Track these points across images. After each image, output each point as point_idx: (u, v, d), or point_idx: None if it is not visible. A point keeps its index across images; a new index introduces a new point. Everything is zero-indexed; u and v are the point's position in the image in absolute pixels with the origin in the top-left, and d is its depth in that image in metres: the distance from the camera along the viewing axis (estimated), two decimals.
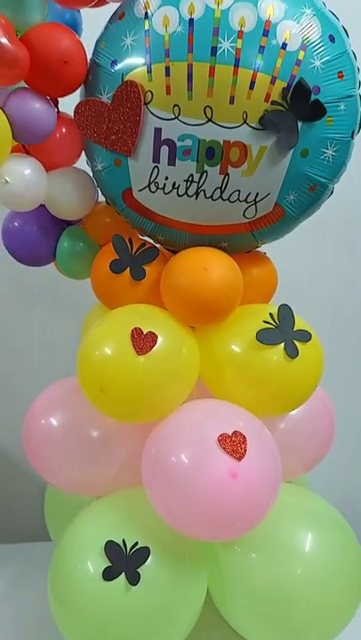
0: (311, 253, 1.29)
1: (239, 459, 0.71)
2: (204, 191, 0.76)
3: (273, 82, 0.70)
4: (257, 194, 0.76)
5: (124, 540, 0.76)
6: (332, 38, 0.72)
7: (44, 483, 1.06)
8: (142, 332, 0.76)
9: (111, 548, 0.75)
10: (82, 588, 0.75)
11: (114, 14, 0.77)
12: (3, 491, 1.33)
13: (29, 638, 0.96)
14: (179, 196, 0.77)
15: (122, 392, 0.76)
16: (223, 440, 0.72)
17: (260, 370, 0.79)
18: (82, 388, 0.80)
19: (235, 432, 0.73)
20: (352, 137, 0.77)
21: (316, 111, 0.71)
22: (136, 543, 0.76)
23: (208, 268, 0.78)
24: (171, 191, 0.77)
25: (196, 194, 0.76)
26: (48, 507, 1.10)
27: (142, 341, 0.75)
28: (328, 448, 0.97)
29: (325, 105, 0.71)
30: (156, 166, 0.75)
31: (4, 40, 0.70)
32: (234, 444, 0.72)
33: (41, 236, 0.90)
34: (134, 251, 0.84)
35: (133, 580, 0.74)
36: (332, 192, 0.82)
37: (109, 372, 0.76)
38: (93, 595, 0.74)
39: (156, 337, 0.76)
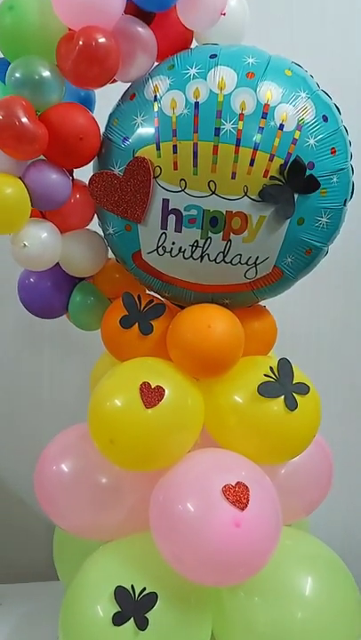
0: (307, 298, 1.34)
1: (242, 509, 0.75)
2: (208, 255, 0.81)
3: (271, 159, 0.76)
4: (257, 257, 0.82)
5: (132, 586, 0.80)
6: (325, 118, 0.79)
7: (51, 522, 1.10)
8: (150, 386, 0.81)
9: (120, 594, 0.79)
10: (92, 632, 0.79)
11: (125, 94, 0.84)
12: (11, 529, 1.36)
13: None
14: (185, 258, 0.82)
15: (131, 443, 0.81)
16: (227, 491, 0.76)
17: (261, 420, 0.84)
18: (93, 439, 0.84)
19: (238, 483, 0.77)
20: (344, 204, 0.83)
21: (311, 185, 0.77)
22: (144, 589, 0.80)
23: (212, 325, 0.84)
24: (177, 254, 0.82)
25: (201, 257, 0.82)
26: (57, 548, 1.13)
27: (151, 395, 0.80)
28: (327, 491, 1.01)
29: (319, 178, 0.78)
30: (164, 232, 0.81)
31: (25, 119, 0.77)
32: (237, 495, 0.76)
33: (54, 291, 0.95)
34: (142, 306, 0.89)
35: (142, 625, 0.77)
36: (326, 252, 0.87)
37: (119, 424, 0.81)
38: (104, 638, 0.78)
39: (164, 390, 0.81)
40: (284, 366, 0.86)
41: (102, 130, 0.84)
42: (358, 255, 1.33)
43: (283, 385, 0.84)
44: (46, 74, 0.78)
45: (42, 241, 0.85)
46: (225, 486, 0.76)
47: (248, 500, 0.76)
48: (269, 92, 0.76)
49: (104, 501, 0.91)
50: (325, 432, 0.99)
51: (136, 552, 0.87)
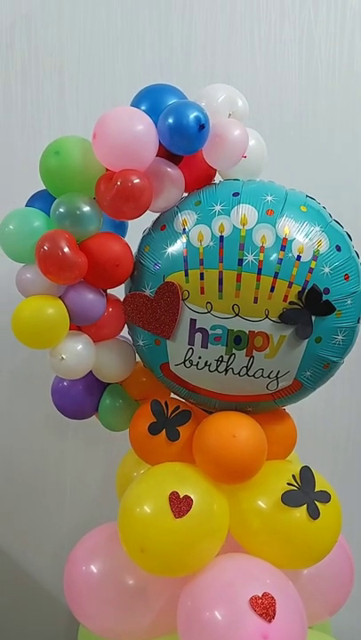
0: (322, 388, 1.39)
1: (269, 621, 0.78)
2: (233, 369, 0.88)
3: (290, 286, 0.83)
4: (278, 372, 0.88)
5: None
6: (338, 248, 0.86)
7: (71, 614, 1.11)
8: (179, 496, 0.85)
9: None
10: None
11: (156, 223, 0.92)
12: (34, 619, 1.37)
13: None
14: (210, 371, 0.89)
15: (161, 552, 0.84)
16: (254, 602, 0.79)
17: (285, 528, 0.87)
18: (123, 546, 0.88)
19: (264, 594, 0.80)
20: (358, 322, 0.90)
21: (327, 308, 0.84)
22: None
23: (237, 434, 0.88)
24: (203, 367, 0.89)
25: (225, 371, 0.88)
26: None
27: (179, 505, 0.84)
28: (349, 592, 1.03)
29: (334, 302, 0.85)
30: (191, 348, 0.88)
31: (67, 250, 0.85)
32: (264, 607, 0.79)
33: (86, 395, 1.00)
34: (170, 413, 0.95)
35: None
36: (342, 363, 0.93)
37: (150, 533, 0.84)
38: None
39: (192, 500, 0.85)
40: (306, 474, 0.90)
41: (134, 251, 0.93)
42: None
43: (305, 493, 0.88)
44: (86, 209, 0.87)
45: (78, 353, 0.92)
46: (252, 597, 0.79)
47: (275, 612, 0.79)
48: (287, 227, 0.84)
49: (131, 604, 0.93)
50: (346, 530, 1.02)
51: None
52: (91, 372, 0.99)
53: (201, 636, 0.83)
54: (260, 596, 0.80)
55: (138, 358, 1.01)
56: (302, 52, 1.26)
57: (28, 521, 1.38)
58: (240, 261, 0.83)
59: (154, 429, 0.93)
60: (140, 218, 0.91)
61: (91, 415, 1.04)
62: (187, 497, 0.85)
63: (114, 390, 1.02)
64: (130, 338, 0.98)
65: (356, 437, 1.40)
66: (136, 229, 0.96)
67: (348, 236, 0.91)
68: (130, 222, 0.96)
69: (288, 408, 1.01)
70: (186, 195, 0.92)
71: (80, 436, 1.38)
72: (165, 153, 0.89)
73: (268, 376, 0.88)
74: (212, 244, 0.84)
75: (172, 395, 0.99)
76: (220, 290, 0.84)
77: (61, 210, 0.87)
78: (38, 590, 1.40)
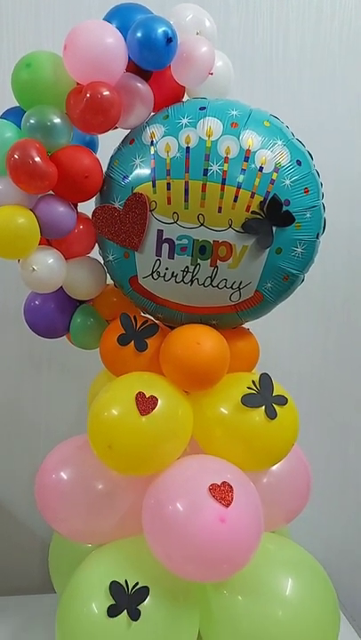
0: (288, 328, 1.44)
1: (227, 505, 0.83)
2: (198, 279, 0.91)
3: (252, 196, 0.87)
4: (240, 282, 0.92)
5: (126, 581, 0.86)
6: (299, 162, 0.90)
7: (46, 540, 1.14)
8: (145, 396, 0.89)
9: (115, 588, 0.86)
10: (89, 623, 0.85)
11: (125, 139, 0.95)
12: (8, 546, 1.41)
13: None
14: (176, 282, 0.92)
15: (127, 448, 0.89)
16: (213, 489, 0.84)
17: (245, 429, 0.92)
18: (91, 445, 0.92)
19: (223, 482, 0.85)
20: (317, 238, 0.94)
21: (287, 219, 0.88)
22: (137, 583, 0.86)
23: (201, 342, 0.93)
24: (170, 279, 0.92)
25: (191, 281, 0.92)
26: (52, 560, 1.19)
27: (145, 404, 0.88)
28: (306, 500, 1.08)
29: (294, 214, 0.89)
30: (158, 259, 0.91)
31: (38, 159, 0.88)
32: (222, 493, 0.84)
33: (58, 313, 1.03)
34: (138, 326, 0.99)
35: (135, 616, 0.84)
36: (302, 280, 0.98)
37: (117, 430, 0.88)
38: (99, 629, 0.84)
39: (157, 400, 0.89)
40: (265, 380, 0.95)
41: (104, 168, 0.96)
42: (338, 290, 1.44)
43: (263, 396, 0.93)
44: (57, 120, 0.89)
45: (48, 265, 0.95)
46: (211, 485, 0.84)
47: (232, 499, 0.84)
48: (250, 139, 0.88)
49: (99, 507, 0.97)
50: (307, 447, 1.08)
51: (129, 553, 0.93)
52: (62, 291, 1.02)
53: (163, 528, 0.87)
54: (220, 484, 0.85)
55: (109, 279, 1.04)
56: None
57: (3, 455, 1.41)
58: (205, 171, 0.87)
59: (123, 340, 0.97)
60: (111, 141, 0.94)
61: (63, 334, 1.07)
62: (152, 397, 0.89)
63: (85, 310, 1.05)
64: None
65: (319, 375, 1.46)
66: (108, 153, 0.98)
67: (310, 155, 0.95)
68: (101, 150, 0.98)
69: None
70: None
71: (55, 372, 1.41)
72: (135, 69, 0.92)
73: (231, 287, 0.92)
74: (178, 154, 0.88)
75: (142, 314, 1.03)
76: (186, 200, 0.88)
77: (32, 121, 0.89)
78: (13, 522, 1.44)
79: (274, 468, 1.02)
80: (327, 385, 1.47)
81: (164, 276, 0.92)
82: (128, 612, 0.84)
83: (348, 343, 1.46)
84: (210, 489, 0.84)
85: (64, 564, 1.13)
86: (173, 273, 0.92)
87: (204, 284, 0.92)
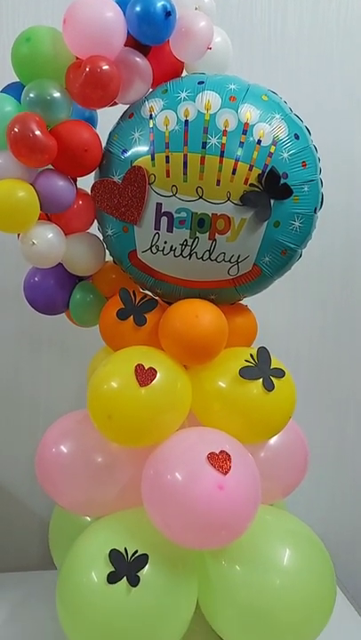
0: (286, 307, 1.46)
1: (225, 473, 0.84)
2: (196, 253, 0.92)
3: (250, 169, 0.88)
4: (239, 256, 0.93)
5: (125, 549, 0.88)
6: (296, 136, 0.91)
7: (45, 518, 1.13)
8: (144, 368, 0.90)
9: (115, 555, 0.87)
10: (89, 590, 0.86)
11: (124, 114, 0.96)
12: (8, 524, 1.42)
13: None
14: (175, 256, 0.93)
15: (126, 419, 0.90)
16: (211, 457, 0.85)
17: (242, 401, 0.93)
18: (91, 417, 0.93)
19: (221, 451, 0.86)
20: (315, 212, 0.95)
21: (285, 192, 0.89)
22: (136, 551, 0.88)
23: (199, 315, 0.94)
24: (169, 253, 0.93)
25: (190, 255, 0.93)
26: (52, 535, 1.20)
27: (144, 375, 0.89)
28: (304, 474, 1.10)
29: (292, 187, 0.89)
30: (157, 233, 0.92)
31: (38, 132, 0.88)
32: (220, 461, 0.85)
33: (57, 289, 1.04)
34: (137, 301, 0.99)
35: (134, 582, 0.85)
36: (300, 256, 0.99)
37: (116, 401, 0.89)
38: (99, 596, 0.85)
39: (156, 372, 0.90)
40: (263, 353, 0.96)
41: (104, 144, 0.96)
42: (336, 270, 1.45)
43: (261, 369, 0.94)
44: (57, 95, 0.90)
45: (48, 240, 0.95)
46: (209, 453, 0.86)
47: (230, 467, 0.85)
48: (249, 112, 0.88)
49: (99, 479, 0.99)
50: (304, 423, 1.09)
51: (129, 522, 0.95)
52: (62, 267, 1.03)
53: (162, 497, 0.89)
54: (218, 453, 0.86)
55: (108, 256, 1.05)
56: None
57: (2, 435, 1.42)
58: (204, 144, 0.87)
59: (122, 314, 0.98)
60: (110, 117, 0.94)
61: (62, 310, 1.08)
62: (151, 368, 0.90)
63: (85, 286, 1.06)
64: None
65: (317, 352, 1.47)
66: (107, 130, 0.99)
67: (308, 130, 0.96)
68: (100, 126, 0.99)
69: None
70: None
71: (54, 351, 1.42)
72: (134, 44, 0.92)
73: (230, 260, 0.93)
74: (177, 127, 0.88)
75: (141, 290, 1.04)
76: (185, 173, 0.88)
77: (32, 95, 0.90)
78: (13, 501, 1.45)
79: (271, 441, 1.03)
80: (325, 362, 1.48)
81: (162, 250, 0.93)
82: (128, 579, 0.85)
83: (345, 321, 1.47)
84: (208, 457, 0.85)
85: (64, 539, 1.14)
86: (172, 247, 0.92)
87: (202, 257, 0.93)
